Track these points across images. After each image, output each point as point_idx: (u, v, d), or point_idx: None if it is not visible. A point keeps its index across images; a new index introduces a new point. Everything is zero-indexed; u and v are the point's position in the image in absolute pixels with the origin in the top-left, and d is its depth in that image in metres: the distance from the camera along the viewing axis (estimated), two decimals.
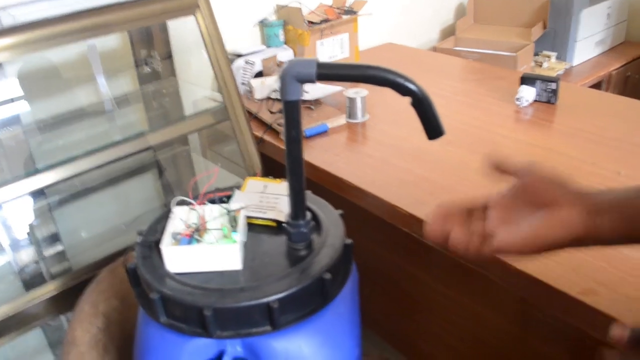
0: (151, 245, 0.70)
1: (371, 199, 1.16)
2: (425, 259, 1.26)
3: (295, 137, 0.64)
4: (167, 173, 1.50)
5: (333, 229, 0.72)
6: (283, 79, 0.61)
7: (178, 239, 0.68)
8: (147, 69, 1.48)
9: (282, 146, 1.42)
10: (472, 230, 0.65)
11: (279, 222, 0.74)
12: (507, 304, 1.12)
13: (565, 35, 2.24)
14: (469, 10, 2.40)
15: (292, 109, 0.62)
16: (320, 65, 0.60)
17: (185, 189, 1.56)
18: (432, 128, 0.61)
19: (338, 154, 1.34)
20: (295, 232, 0.68)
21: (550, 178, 0.65)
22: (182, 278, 0.65)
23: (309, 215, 0.70)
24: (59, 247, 1.25)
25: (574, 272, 0.90)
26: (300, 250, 0.69)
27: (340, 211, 0.76)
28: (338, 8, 1.92)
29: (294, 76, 0.60)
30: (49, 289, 1.02)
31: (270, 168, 1.38)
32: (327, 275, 0.64)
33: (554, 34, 2.27)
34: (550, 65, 2.23)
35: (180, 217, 0.70)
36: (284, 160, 1.41)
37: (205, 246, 0.66)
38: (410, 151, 1.31)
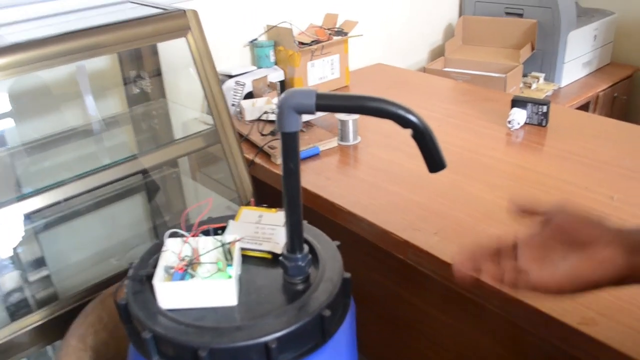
0: (142, 279, 0.67)
1: (364, 225, 1.15)
2: (418, 284, 1.24)
3: (293, 169, 0.62)
4: (155, 196, 1.48)
5: (331, 262, 0.70)
6: (281, 109, 0.60)
7: (171, 273, 0.66)
8: (136, 90, 1.46)
9: (274, 170, 1.41)
10: (503, 267, 0.64)
11: (274, 254, 0.72)
12: (499, 328, 1.11)
13: (553, 56, 2.26)
14: (458, 31, 2.41)
15: (290, 141, 0.61)
16: (320, 96, 0.58)
17: (174, 212, 1.54)
18: (434, 161, 0.59)
19: (330, 178, 1.33)
20: (292, 266, 0.66)
21: (585, 217, 0.64)
22: (175, 315, 0.62)
23: (306, 248, 0.68)
24: (44, 272, 1.22)
25: (571, 301, 0.89)
26: (297, 284, 0.67)
27: (337, 242, 0.74)
28: (328, 29, 1.92)
29: (292, 107, 0.59)
30: (35, 319, 0.99)
31: (262, 191, 1.36)
32: (327, 312, 0.62)
33: (542, 55, 2.29)
34: (539, 86, 2.25)
35: (173, 250, 0.68)
36: (276, 184, 1.40)
37: (199, 281, 0.64)
38: (403, 175, 1.30)
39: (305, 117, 1.55)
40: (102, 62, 1.46)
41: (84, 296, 1.04)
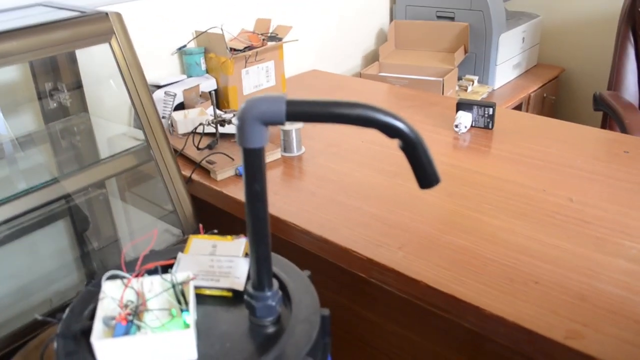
0: (76, 335, 0.54)
1: (322, 244, 1.05)
2: (375, 298, 1.16)
3: (258, 192, 0.52)
4: (81, 222, 1.32)
5: (305, 298, 0.59)
6: (243, 121, 0.49)
7: (112, 326, 0.53)
8: (53, 104, 1.29)
9: (215, 186, 1.29)
10: None
11: (236, 292, 0.61)
12: (463, 340, 1.05)
13: (485, 59, 2.27)
14: (390, 36, 2.38)
15: (254, 158, 0.50)
16: (291, 103, 0.48)
17: (104, 238, 1.38)
18: (426, 176, 0.51)
19: (277, 192, 1.22)
20: (260, 306, 0.56)
21: None
22: None
23: (275, 284, 0.57)
24: None
25: (553, 314, 0.83)
26: (267, 327, 0.56)
27: (307, 272, 0.64)
28: (262, 34, 1.82)
29: (257, 118, 0.48)
30: None
31: (201, 211, 1.24)
32: None
33: (475, 58, 2.29)
34: (474, 89, 2.24)
35: (113, 296, 0.56)
36: (217, 202, 1.28)
37: (149, 335, 0.52)
38: (355, 187, 1.22)
39: None
40: (12, 74, 1.29)
41: (4, 347, 0.89)
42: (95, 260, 1.38)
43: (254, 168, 0.50)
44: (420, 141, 0.49)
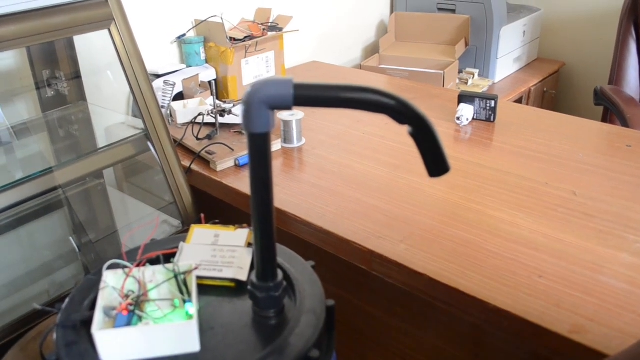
0: (77, 326, 0.53)
1: (323, 235, 1.04)
2: (376, 292, 1.15)
3: (264, 179, 0.50)
4: (79, 212, 1.30)
5: (309, 288, 0.58)
6: (249, 105, 0.48)
7: (113, 316, 0.52)
8: (51, 92, 1.28)
9: (214, 177, 1.28)
10: None
11: (239, 282, 0.60)
12: (464, 334, 1.04)
13: (487, 52, 2.25)
14: (391, 28, 2.36)
15: (260, 144, 0.49)
16: (299, 87, 0.47)
17: (102, 228, 1.37)
18: (436, 163, 0.50)
19: (278, 184, 1.21)
20: (264, 296, 0.54)
21: None
22: None
23: (279, 274, 0.56)
24: None
25: (557, 308, 0.82)
26: (271, 318, 0.55)
27: (311, 262, 0.63)
28: (262, 24, 1.80)
29: (263, 101, 0.47)
30: None
31: (201, 201, 1.23)
32: (315, 353, 0.50)
33: (476, 51, 2.27)
34: (475, 82, 2.23)
35: (114, 286, 0.54)
36: (216, 193, 1.27)
37: (151, 326, 0.50)
38: (357, 179, 1.21)
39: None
40: (9, 61, 1.27)
41: (1, 338, 0.88)
42: (93, 251, 1.36)
43: (259, 153, 0.49)
44: (432, 127, 0.48)
